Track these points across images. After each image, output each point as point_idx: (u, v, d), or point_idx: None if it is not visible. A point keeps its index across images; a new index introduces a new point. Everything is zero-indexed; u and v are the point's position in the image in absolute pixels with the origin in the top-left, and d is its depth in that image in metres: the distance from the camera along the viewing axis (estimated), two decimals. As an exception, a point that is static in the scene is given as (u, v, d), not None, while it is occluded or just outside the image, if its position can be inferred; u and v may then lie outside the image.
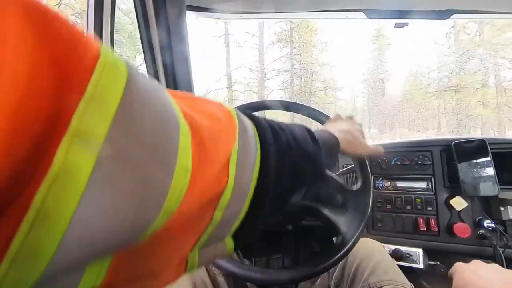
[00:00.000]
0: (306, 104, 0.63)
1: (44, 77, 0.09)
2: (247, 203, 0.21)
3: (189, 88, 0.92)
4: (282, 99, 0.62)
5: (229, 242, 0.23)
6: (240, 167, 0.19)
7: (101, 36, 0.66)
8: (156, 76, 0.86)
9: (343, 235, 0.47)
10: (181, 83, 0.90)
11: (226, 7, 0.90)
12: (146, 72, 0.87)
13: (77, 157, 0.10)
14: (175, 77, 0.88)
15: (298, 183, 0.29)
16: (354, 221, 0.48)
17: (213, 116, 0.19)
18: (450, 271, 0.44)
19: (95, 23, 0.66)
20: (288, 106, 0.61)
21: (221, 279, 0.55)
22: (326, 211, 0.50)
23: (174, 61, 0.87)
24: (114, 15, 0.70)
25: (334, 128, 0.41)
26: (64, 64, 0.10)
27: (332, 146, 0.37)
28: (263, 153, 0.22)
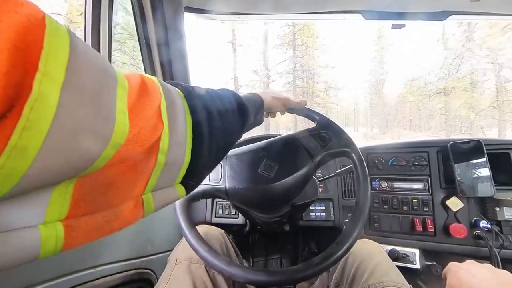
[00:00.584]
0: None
1: (21, 39, 0.13)
2: (188, 152, 0.26)
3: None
4: None
5: (180, 188, 0.27)
6: (171, 118, 0.24)
7: (98, 34, 0.67)
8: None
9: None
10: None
11: (224, 8, 0.91)
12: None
13: (47, 88, 0.13)
14: (173, 79, 0.88)
15: (230, 131, 0.34)
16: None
17: (140, 78, 0.23)
18: (444, 270, 0.45)
19: (93, 22, 0.66)
20: None
21: (220, 278, 0.55)
22: (325, 154, 0.54)
23: (172, 63, 0.87)
24: (112, 13, 0.70)
25: (263, 92, 0.50)
26: (28, 29, 0.13)
27: (256, 102, 0.45)
28: (190, 107, 0.27)
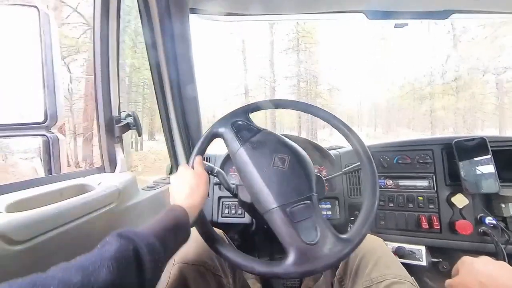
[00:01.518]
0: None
1: None
2: None
3: (193, 89, 0.93)
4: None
5: None
6: None
7: (107, 38, 0.67)
8: (160, 78, 0.87)
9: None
10: (185, 85, 0.91)
11: (228, 9, 0.91)
12: (151, 76, 0.88)
13: None
14: (178, 78, 0.89)
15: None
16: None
17: None
18: (458, 263, 0.45)
19: (101, 28, 0.66)
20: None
21: (218, 279, 0.54)
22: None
23: (178, 63, 0.88)
24: (119, 19, 0.70)
25: (177, 196, 0.48)
26: None
27: (178, 223, 0.41)
28: None
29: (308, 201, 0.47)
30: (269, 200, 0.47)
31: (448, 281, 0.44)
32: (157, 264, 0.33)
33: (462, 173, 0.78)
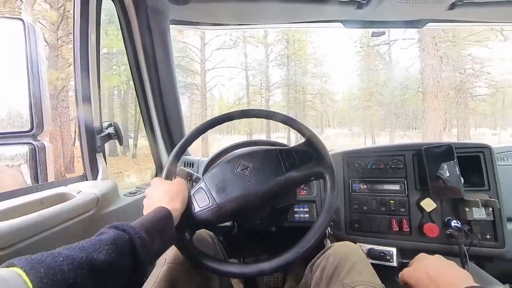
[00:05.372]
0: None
1: None
2: None
3: (174, 97, 0.96)
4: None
5: None
6: None
7: (87, 41, 0.70)
8: (142, 87, 0.90)
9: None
10: (166, 93, 0.94)
11: (209, 20, 0.94)
12: (134, 85, 0.91)
13: None
14: (160, 87, 0.92)
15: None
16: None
17: None
18: (414, 258, 0.53)
19: (81, 29, 0.69)
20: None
21: (212, 278, 0.59)
22: (295, 174, 0.57)
23: (159, 71, 0.91)
24: (99, 20, 0.73)
25: (158, 202, 0.48)
26: None
27: (165, 224, 0.44)
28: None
29: None
30: None
31: (401, 272, 0.53)
32: (147, 257, 0.37)
33: (429, 178, 0.82)
